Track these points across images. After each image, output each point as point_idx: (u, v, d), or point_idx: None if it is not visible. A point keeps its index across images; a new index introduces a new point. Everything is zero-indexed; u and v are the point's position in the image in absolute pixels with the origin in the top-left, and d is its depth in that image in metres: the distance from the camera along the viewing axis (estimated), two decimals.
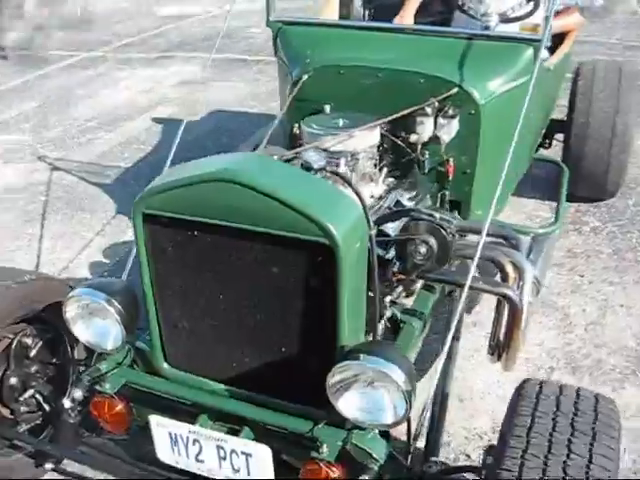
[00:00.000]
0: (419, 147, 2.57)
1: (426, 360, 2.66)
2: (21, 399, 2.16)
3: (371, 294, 1.81)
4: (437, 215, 2.11)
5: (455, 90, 2.56)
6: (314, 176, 1.88)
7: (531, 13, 3.04)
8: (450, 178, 2.70)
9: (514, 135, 2.72)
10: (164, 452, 1.85)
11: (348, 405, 1.63)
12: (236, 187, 1.60)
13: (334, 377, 1.60)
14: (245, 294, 1.77)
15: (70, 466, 2.05)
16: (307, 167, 1.95)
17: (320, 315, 1.69)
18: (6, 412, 2.18)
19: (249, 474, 1.75)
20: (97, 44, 8.59)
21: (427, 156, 2.59)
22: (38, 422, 2.21)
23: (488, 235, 2.30)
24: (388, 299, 2.15)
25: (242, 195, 1.60)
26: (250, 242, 1.67)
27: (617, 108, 3.64)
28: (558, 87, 3.71)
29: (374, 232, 1.78)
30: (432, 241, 2.07)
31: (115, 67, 7.63)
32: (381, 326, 2.10)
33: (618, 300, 3.19)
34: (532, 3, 3.09)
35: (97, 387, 1.93)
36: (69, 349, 2.27)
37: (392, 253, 2.12)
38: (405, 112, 2.46)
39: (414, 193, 2.55)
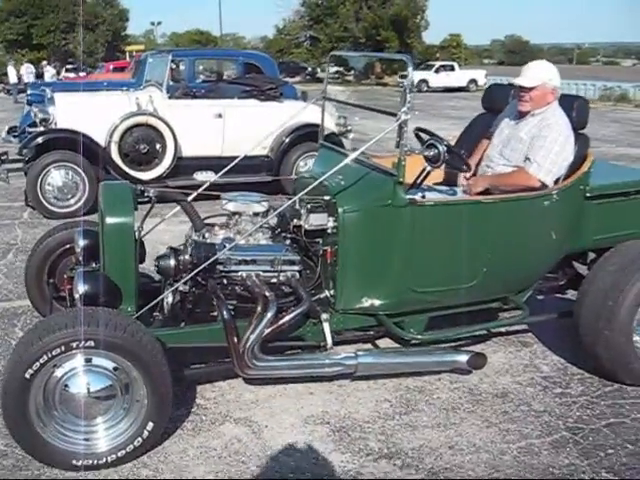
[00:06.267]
0: (292, 227, 3.74)
1: None
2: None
3: None
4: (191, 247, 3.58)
5: (328, 197, 3.63)
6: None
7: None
8: (329, 261, 3.72)
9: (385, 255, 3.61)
10: None
11: None
12: None
13: None
14: None
15: None
16: None
17: None
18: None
19: None
20: None
21: (307, 239, 3.72)
22: None
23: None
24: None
25: None
26: None
27: None
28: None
29: (137, 226, 3.38)
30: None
31: None
32: (169, 299, 3.49)
33: None
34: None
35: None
36: None
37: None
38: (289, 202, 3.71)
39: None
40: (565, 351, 4.33)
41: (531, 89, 3.92)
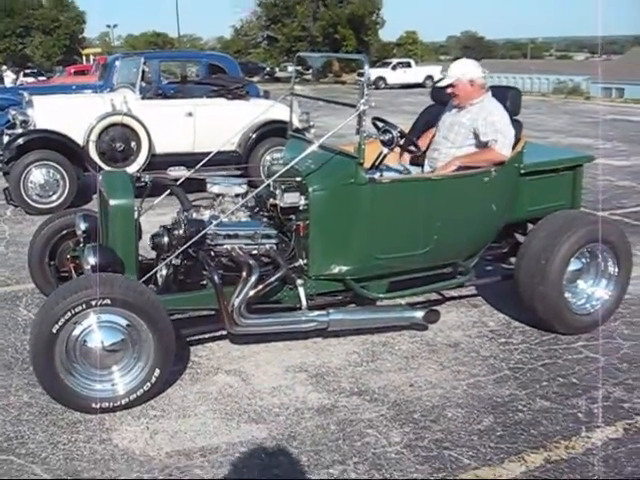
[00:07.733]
0: (268, 205, 4.30)
1: None
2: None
3: None
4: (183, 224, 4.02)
5: (299, 178, 4.21)
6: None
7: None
8: (301, 234, 4.29)
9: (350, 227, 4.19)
10: None
11: None
12: None
13: None
14: None
15: None
16: None
17: None
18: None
19: None
20: None
21: (282, 215, 4.28)
22: None
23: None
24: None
25: None
26: None
27: None
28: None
29: (136, 207, 3.84)
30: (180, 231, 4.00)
31: None
32: (162, 272, 4.01)
33: None
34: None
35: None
36: None
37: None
38: (266, 183, 4.27)
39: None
40: (509, 310, 4.98)
41: (449, 86, 4.61)
